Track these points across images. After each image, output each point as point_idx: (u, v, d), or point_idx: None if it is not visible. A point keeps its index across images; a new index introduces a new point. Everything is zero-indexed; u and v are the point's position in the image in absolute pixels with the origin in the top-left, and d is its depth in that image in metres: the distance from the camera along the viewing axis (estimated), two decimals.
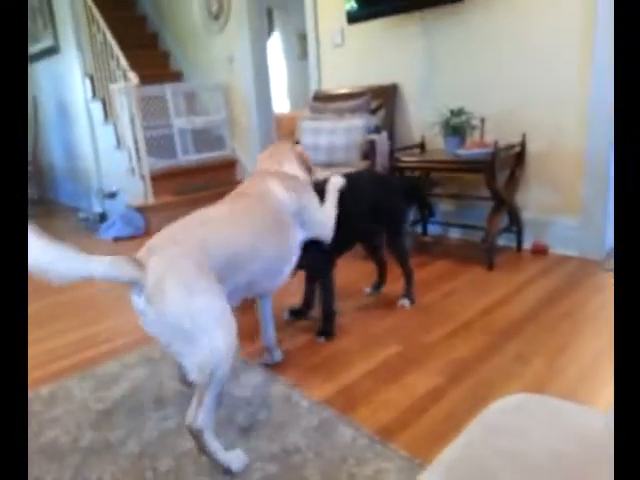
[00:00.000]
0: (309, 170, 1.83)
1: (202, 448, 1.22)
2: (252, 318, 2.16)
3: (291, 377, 1.68)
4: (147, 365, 1.81)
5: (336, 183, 1.87)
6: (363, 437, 1.34)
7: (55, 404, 1.59)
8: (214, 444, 1.23)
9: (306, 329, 2.02)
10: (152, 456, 1.31)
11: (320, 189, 1.82)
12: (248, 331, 2.05)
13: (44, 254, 1.04)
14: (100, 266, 1.12)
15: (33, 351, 2.02)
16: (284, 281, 1.63)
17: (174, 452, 1.32)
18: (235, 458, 1.25)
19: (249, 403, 1.52)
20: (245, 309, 2.25)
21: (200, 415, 1.20)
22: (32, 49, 5.29)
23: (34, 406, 1.59)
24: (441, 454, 0.68)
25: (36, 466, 1.30)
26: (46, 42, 4.93)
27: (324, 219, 1.75)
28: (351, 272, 2.65)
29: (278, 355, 1.81)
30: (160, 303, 1.18)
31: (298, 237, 1.64)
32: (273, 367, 1.75)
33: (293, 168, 1.74)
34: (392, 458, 1.25)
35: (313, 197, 1.72)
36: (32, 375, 1.82)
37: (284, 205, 1.57)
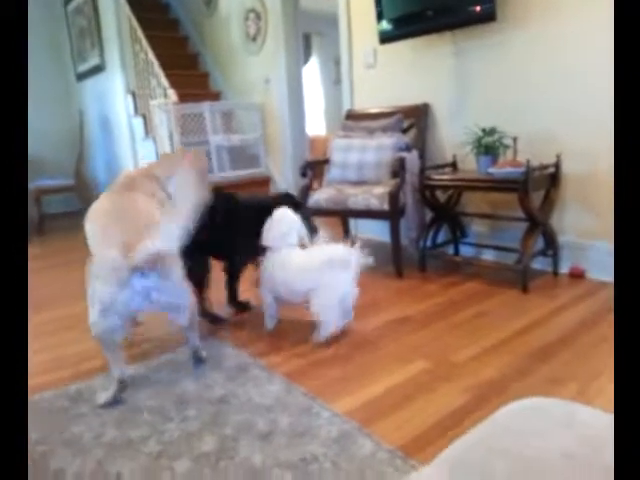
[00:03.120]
0: None
1: (199, 355, 1.84)
2: (276, 329, 2.17)
3: (313, 388, 1.66)
4: (171, 369, 1.83)
5: None
6: (383, 451, 1.31)
7: (82, 402, 1.62)
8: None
9: (329, 342, 2.00)
10: (171, 456, 1.32)
11: None
12: (270, 342, 2.06)
13: None
14: None
15: (64, 351, 2.08)
16: None
17: (193, 454, 1.32)
18: None
19: (269, 410, 1.51)
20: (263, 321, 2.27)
21: (196, 338, 1.82)
22: (81, 68, 5.57)
23: (62, 402, 1.62)
24: (442, 453, 0.66)
25: (60, 458, 1.32)
26: (93, 61, 5.19)
27: None
28: (380, 289, 2.63)
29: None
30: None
31: None
32: (295, 377, 1.74)
33: None
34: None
35: None
36: (61, 374, 1.86)
37: None
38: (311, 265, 1.97)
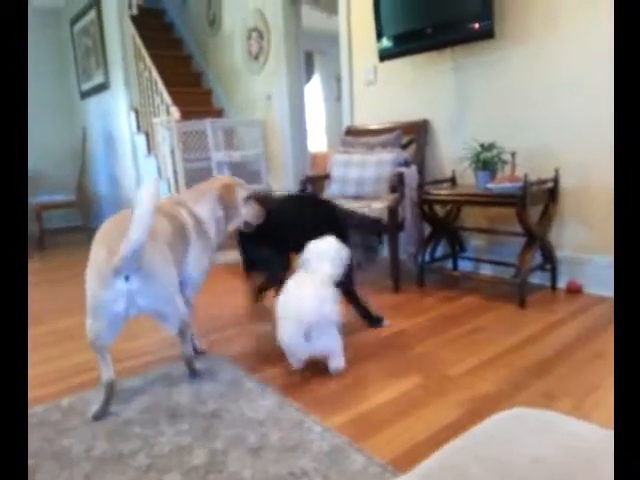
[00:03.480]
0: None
1: (192, 366, 1.86)
2: (270, 344, 2.16)
3: (306, 402, 1.65)
4: (167, 382, 1.82)
5: None
6: (375, 466, 1.29)
7: (73, 415, 1.61)
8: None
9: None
10: (160, 470, 1.30)
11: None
12: (264, 357, 2.05)
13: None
14: None
15: (59, 364, 2.07)
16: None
17: (183, 468, 1.31)
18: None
19: (261, 424, 1.50)
20: (258, 337, 2.26)
21: (188, 348, 1.82)
22: (85, 86, 5.67)
23: (53, 416, 1.61)
24: (423, 462, 0.66)
25: (47, 472, 1.31)
26: (98, 79, 5.28)
27: None
28: (377, 303, 2.62)
29: None
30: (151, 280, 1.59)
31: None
32: (289, 392, 1.72)
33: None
34: None
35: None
36: (54, 387, 1.86)
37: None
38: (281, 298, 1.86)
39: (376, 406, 1.62)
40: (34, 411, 1.66)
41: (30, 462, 1.37)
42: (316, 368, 1.90)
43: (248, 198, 2.10)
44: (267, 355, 2.05)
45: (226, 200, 2.02)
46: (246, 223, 2.11)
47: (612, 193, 2.45)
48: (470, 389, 1.70)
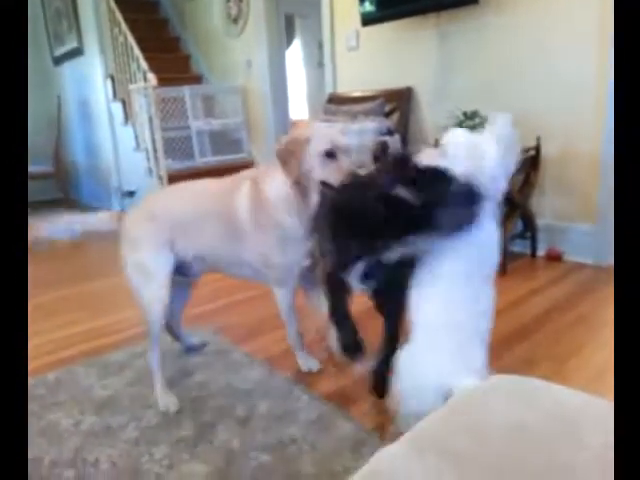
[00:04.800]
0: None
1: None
2: (257, 315, 2.17)
3: (293, 372, 1.67)
4: None
5: None
6: (361, 432, 1.33)
7: (60, 389, 1.62)
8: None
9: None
10: (149, 442, 1.32)
11: None
12: (251, 328, 2.06)
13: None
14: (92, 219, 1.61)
15: (43, 339, 2.06)
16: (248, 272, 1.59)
17: (171, 439, 1.33)
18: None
19: (249, 395, 1.52)
20: (244, 308, 2.27)
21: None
22: (58, 51, 5.43)
23: (39, 390, 1.61)
24: (410, 430, 0.68)
25: (36, 447, 1.32)
26: (71, 44, 5.06)
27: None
28: None
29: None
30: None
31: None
32: (274, 363, 1.74)
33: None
34: None
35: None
36: (40, 362, 1.85)
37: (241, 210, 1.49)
38: None
39: (361, 375, 1.64)
40: None
41: None
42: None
43: (330, 153, 1.39)
44: (253, 327, 2.06)
45: (287, 167, 1.39)
46: (324, 185, 1.37)
47: (593, 161, 2.47)
48: None
